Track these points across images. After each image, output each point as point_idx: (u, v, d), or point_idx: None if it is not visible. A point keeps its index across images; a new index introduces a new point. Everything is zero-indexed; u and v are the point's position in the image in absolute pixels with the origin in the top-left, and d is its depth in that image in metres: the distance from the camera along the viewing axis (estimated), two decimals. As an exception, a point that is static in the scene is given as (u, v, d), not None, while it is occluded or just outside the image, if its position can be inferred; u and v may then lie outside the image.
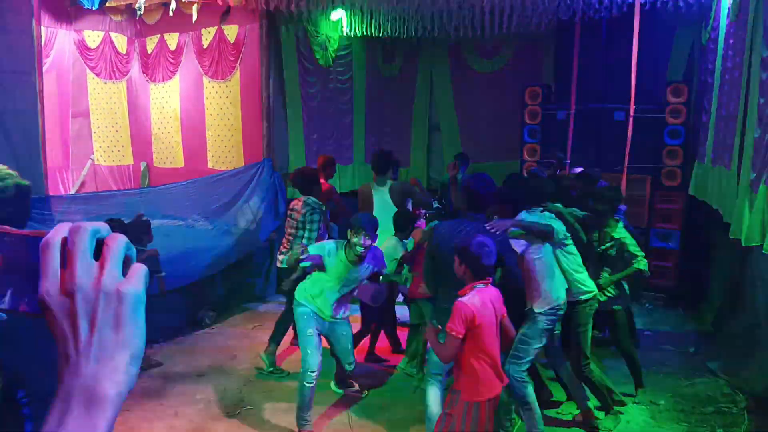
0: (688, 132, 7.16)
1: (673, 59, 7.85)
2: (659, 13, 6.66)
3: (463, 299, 3.07)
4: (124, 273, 0.63)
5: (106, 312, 0.62)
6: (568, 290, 4.00)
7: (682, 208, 7.11)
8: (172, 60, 8.44)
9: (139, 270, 0.65)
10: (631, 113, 6.62)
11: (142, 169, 8.95)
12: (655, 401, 4.69)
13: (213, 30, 7.89)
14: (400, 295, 5.30)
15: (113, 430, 0.62)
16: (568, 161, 7.16)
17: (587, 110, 7.41)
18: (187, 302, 6.16)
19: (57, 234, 0.63)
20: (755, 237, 4.15)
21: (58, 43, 8.04)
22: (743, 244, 4.38)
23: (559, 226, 3.90)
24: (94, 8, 6.51)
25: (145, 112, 8.88)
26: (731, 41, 5.42)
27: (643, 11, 6.31)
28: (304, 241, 4.97)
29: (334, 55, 8.28)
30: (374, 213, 4.93)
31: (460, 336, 3.01)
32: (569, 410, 4.54)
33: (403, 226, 5.08)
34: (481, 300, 3.07)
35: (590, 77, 7.58)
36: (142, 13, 6.70)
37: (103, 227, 0.65)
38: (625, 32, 6.80)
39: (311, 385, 3.98)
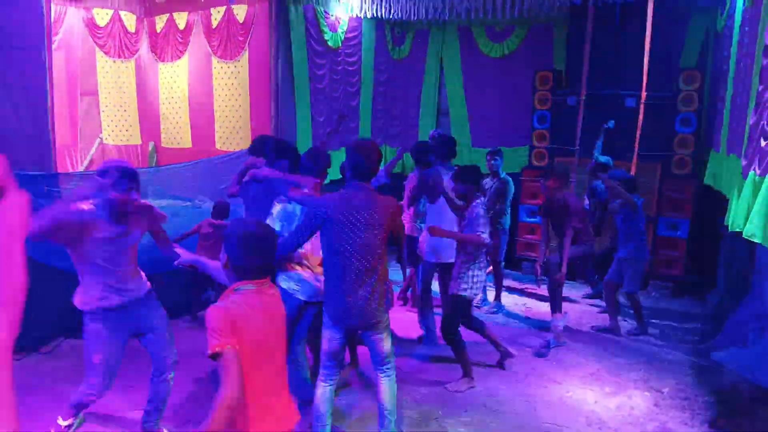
0: (700, 120, 7.08)
1: (687, 46, 7.74)
2: (673, -1, 6.56)
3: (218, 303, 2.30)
4: None
5: None
6: None
7: (692, 197, 7.06)
8: (180, 39, 8.42)
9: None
10: (643, 100, 6.56)
11: (150, 149, 8.97)
12: (659, 388, 4.69)
13: (222, 9, 7.85)
14: None
15: None
16: (578, 147, 7.10)
17: (598, 96, 7.34)
18: (194, 281, 6.19)
19: None
20: (739, 223, 4.08)
21: (68, 20, 8.02)
22: (729, 230, 4.35)
23: None
24: (103, -15, 6.47)
25: (153, 91, 8.88)
26: (747, 28, 5.33)
27: (657, -4, 6.23)
28: None
29: (343, 37, 8.22)
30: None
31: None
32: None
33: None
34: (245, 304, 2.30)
35: (602, 63, 7.49)
36: (151, -9, 6.65)
37: None
38: (638, 17, 6.71)
39: None
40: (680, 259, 7.13)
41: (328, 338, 3.53)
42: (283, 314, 2.47)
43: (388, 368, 3.62)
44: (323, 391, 3.58)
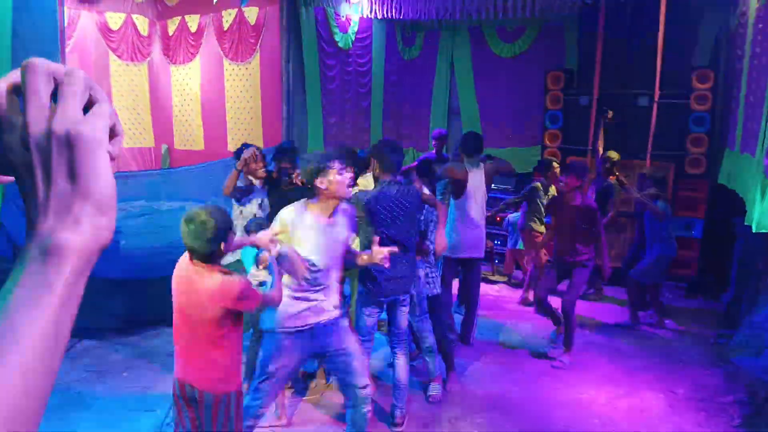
0: (713, 119, 7.02)
1: (700, 44, 7.68)
2: (686, -3, 6.51)
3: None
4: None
5: (59, 159, 0.53)
6: None
7: (706, 196, 7.00)
8: (192, 42, 8.47)
9: (99, 109, 0.56)
10: (656, 99, 6.51)
11: (163, 151, 9.03)
12: (673, 390, 4.66)
13: (233, 12, 7.89)
14: None
15: (79, 294, 0.54)
16: (590, 147, 7.07)
17: (611, 95, 7.28)
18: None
19: (8, 79, 0.55)
20: (766, 224, 4.05)
21: (81, 24, 8.10)
22: (754, 231, 4.31)
23: None
24: (116, -11, 6.53)
25: (166, 94, 8.94)
26: (760, 26, 5.28)
27: (670, -5, 6.18)
28: None
29: (353, 38, 8.23)
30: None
31: None
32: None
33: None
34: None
35: (614, 62, 7.44)
36: (163, -6, 6.70)
37: (59, 66, 0.55)
38: (651, 16, 6.66)
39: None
40: (694, 259, 7.07)
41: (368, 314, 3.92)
42: (205, 291, 2.68)
43: (405, 343, 4.06)
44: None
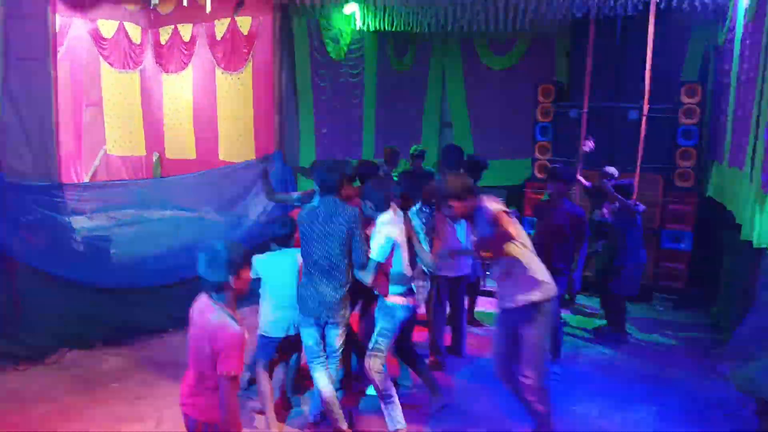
0: (702, 133, 7.11)
1: (688, 59, 7.79)
2: (675, 13, 6.60)
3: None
4: None
5: None
6: None
7: (695, 209, 7.08)
8: (185, 51, 8.46)
9: None
10: (645, 112, 6.57)
11: (154, 160, 8.99)
12: (664, 402, 4.68)
13: (226, 21, 7.90)
14: None
15: None
16: (580, 162, 7.12)
17: (600, 108, 7.36)
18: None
19: None
20: (766, 239, 4.13)
21: (73, 31, 8.06)
22: (754, 246, 4.38)
23: None
24: (109, -2, 6.53)
25: (157, 102, 8.91)
26: (748, 42, 5.38)
27: (659, 10, 6.26)
28: None
29: (346, 49, 8.26)
30: None
31: None
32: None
33: None
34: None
35: (604, 75, 7.53)
36: (156, 3, 6.71)
37: None
38: (640, 31, 6.74)
39: None
40: (683, 271, 7.13)
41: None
42: (200, 327, 2.74)
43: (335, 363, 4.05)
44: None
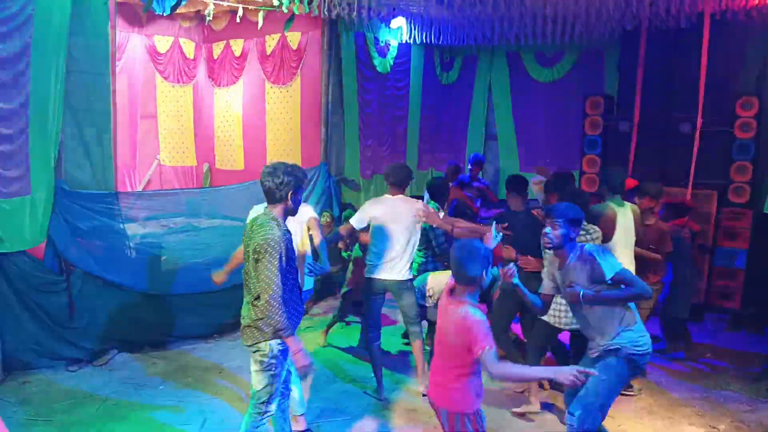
0: (758, 147, 6.86)
1: (744, 71, 7.54)
2: (729, 24, 6.43)
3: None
4: None
5: None
6: None
7: (750, 226, 6.81)
8: (236, 65, 8.71)
9: None
10: (698, 126, 6.40)
11: (204, 170, 9.25)
12: (714, 425, 4.50)
13: (276, 37, 8.10)
14: None
15: None
16: (630, 174, 6.98)
17: (651, 122, 7.19)
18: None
19: None
20: None
21: (130, 46, 8.42)
22: None
23: None
24: (165, 14, 6.78)
25: (208, 115, 9.19)
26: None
27: (713, 22, 6.10)
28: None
29: (392, 62, 8.35)
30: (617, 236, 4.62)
31: None
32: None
33: None
34: None
35: (655, 88, 7.36)
36: (210, 19, 6.93)
37: None
38: (693, 43, 6.59)
39: None
40: (737, 290, 6.85)
41: None
42: (455, 325, 2.82)
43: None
44: None
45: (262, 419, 3.29)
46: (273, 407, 3.33)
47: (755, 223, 6.77)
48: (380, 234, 4.55)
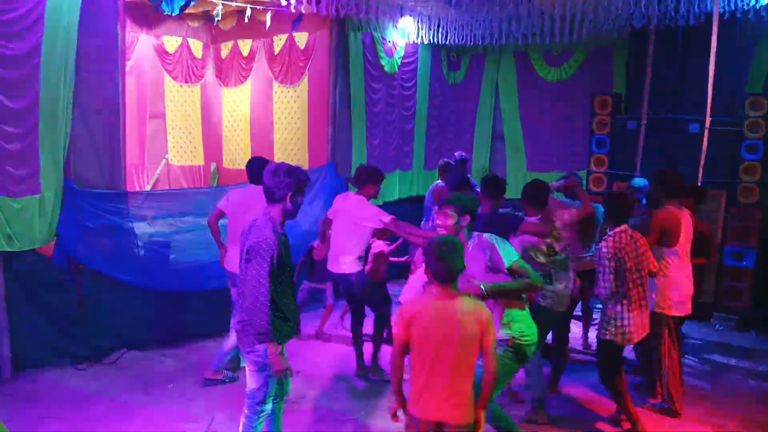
0: (767, 147, 6.82)
1: (753, 71, 7.49)
2: (739, 23, 6.39)
3: None
4: None
5: None
6: None
7: (759, 226, 6.78)
8: (244, 65, 8.74)
9: None
10: (707, 125, 6.36)
11: (212, 169, 9.29)
12: (722, 425, 4.49)
13: (284, 37, 8.12)
14: None
15: None
16: (638, 173, 6.95)
17: (659, 121, 7.17)
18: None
19: None
20: None
21: (139, 46, 8.46)
22: None
23: None
24: (174, 14, 6.81)
25: (216, 114, 9.22)
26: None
27: (722, 20, 6.07)
28: None
29: (399, 62, 8.35)
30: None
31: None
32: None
33: None
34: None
35: (663, 87, 7.33)
36: (218, 19, 6.96)
37: None
38: (702, 42, 6.55)
39: None
40: (746, 290, 6.83)
41: None
42: (457, 321, 2.69)
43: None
44: None
45: (258, 419, 3.31)
46: (269, 407, 3.34)
47: (764, 222, 6.74)
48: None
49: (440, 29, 7.87)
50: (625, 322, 4.10)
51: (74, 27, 4.95)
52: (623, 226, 4.17)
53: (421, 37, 8.12)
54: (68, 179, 5.06)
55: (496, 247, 3.35)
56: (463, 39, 7.96)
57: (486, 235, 3.45)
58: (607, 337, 4.16)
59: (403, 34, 8.15)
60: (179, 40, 8.80)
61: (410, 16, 7.62)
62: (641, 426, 4.17)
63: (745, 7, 6.15)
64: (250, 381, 3.31)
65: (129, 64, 7.90)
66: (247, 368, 3.34)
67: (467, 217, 3.43)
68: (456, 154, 7.62)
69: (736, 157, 6.87)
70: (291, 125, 8.29)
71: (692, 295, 4.64)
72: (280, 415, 3.53)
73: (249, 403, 3.32)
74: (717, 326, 6.83)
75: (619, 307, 4.11)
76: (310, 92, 8.02)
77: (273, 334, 3.12)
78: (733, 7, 6.13)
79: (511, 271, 3.34)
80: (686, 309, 4.61)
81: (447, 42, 8.07)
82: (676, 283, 4.53)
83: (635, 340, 4.21)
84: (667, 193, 4.60)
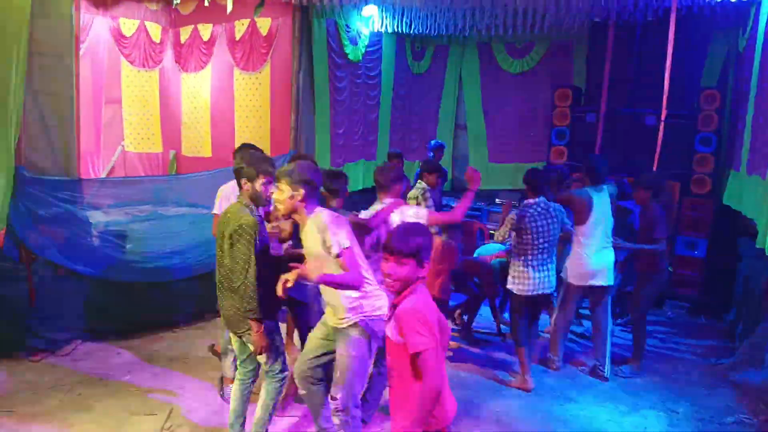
0: (719, 140, 7.05)
1: (708, 65, 7.72)
2: (695, 19, 6.56)
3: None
4: None
5: None
6: None
7: (710, 216, 7.01)
8: (204, 50, 8.55)
9: None
10: (663, 118, 6.54)
11: (170, 157, 9.08)
12: (674, 409, 4.64)
13: (246, 22, 7.97)
14: None
15: None
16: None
17: (617, 114, 7.33)
18: (210, 288, 6.25)
19: None
20: None
21: (94, 29, 8.18)
22: (767, 253, 4.36)
23: None
24: (131, -4, 6.62)
25: (176, 101, 9.01)
26: (769, 48, 5.32)
27: (679, 16, 6.22)
28: None
29: (364, 51, 8.30)
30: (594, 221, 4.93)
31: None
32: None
33: None
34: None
35: (622, 80, 7.49)
36: (177, 2, 6.78)
37: None
38: (659, 36, 6.70)
39: None
40: (697, 278, 7.07)
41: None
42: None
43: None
44: None
45: (282, 384, 3.61)
46: (287, 372, 3.62)
47: (715, 213, 6.97)
48: None
49: (404, 18, 7.85)
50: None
51: (27, 7, 4.74)
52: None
53: (386, 25, 8.08)
54: (19, 166, 4.88)
55: (329, 232, 3.12)
56: (427, 28, 7.97)
57: (323, 216, 3.20)
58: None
59: (368, 22, 8.10)
60: (137, 23, 8.55)
61: (374, 4, 7.57)
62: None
63: (701, 2, 6.30)
64: (263, 359, 3.51)
65: (84, 46, 7.63)
66: (239, 354, 3.66)
67: (307, 193, 3.19)
68: (432, 141, 7.77)
69: (690, 149, 7.07)
70: (253, 113, 8.16)
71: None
72: (245, 392, 3.65)
73: (270, 377, 3.55)
74: (669, 313, 7.04)
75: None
76: (273, 79, 7.90)
77: (260, 312, 3.31)
78: (690, 3, 6.27)
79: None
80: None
81: (411, 31, 8.06)
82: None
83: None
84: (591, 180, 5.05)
